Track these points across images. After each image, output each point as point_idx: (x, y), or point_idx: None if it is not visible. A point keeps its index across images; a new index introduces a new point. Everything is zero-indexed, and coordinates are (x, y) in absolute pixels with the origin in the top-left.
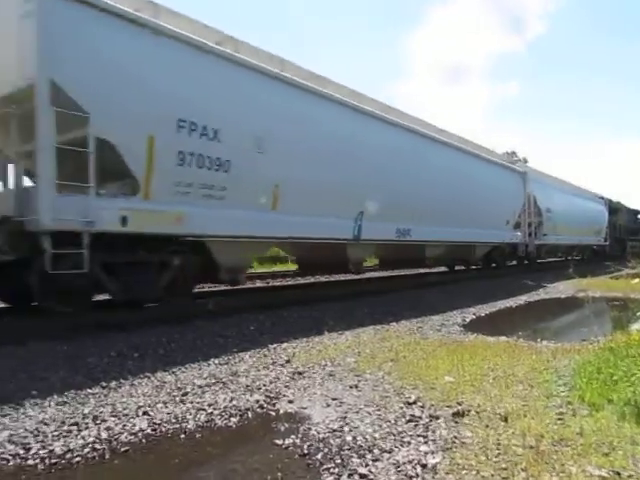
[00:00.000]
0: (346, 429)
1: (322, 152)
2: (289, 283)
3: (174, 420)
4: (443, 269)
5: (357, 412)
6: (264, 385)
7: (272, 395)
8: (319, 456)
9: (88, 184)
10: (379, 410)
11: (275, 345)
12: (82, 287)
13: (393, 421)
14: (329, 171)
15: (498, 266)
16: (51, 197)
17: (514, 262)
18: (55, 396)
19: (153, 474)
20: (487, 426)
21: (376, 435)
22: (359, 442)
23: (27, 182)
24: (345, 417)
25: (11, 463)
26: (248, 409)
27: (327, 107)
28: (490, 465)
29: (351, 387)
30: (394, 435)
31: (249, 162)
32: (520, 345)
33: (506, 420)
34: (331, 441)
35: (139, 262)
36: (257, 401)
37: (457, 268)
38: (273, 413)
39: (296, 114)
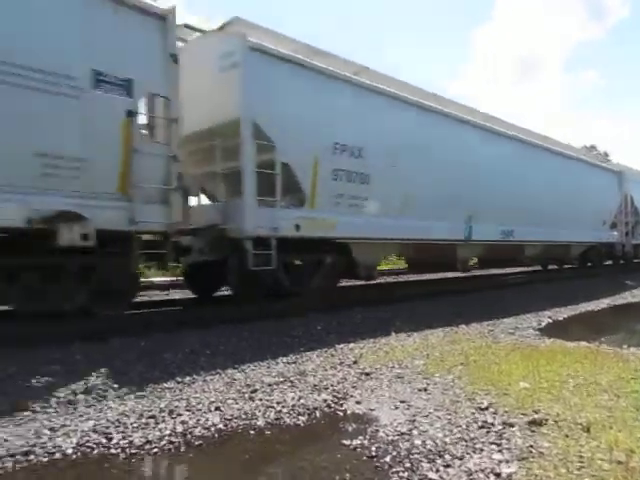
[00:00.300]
0: (415, 432)
1: (441, 163)
2: (356, 283)
3: (244, 416)
4: (524, 269)
5: (426, 416)
6: (331, 385)
7: (339, 395)
8: (387, 459)
9: (275, 198)
10: (449, 415)
11: (342, 345)
12: (267, 281)
13: (464, 426)
14: (445, 180)
15: (594, 265)
16: (253, 209)
17: (610, 262)
18: (134, 389)
19: (225, 468)
20: (567, 437)
21: (446, 440)
22: (429, 446)
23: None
24: (414, 420)
25: (95, 452)
26: (316, 408)
27: (444, 123)
28: (572, 479)
29: (420, 390)
30: (465, 441)
31: (385, 175)
32: (604, 351)
33: (589, 431)
34: (400, 444)
35: (304, 260)
36: (325, 401)
37: (550, 267)
38: (341, 413)
39: (421, 132)
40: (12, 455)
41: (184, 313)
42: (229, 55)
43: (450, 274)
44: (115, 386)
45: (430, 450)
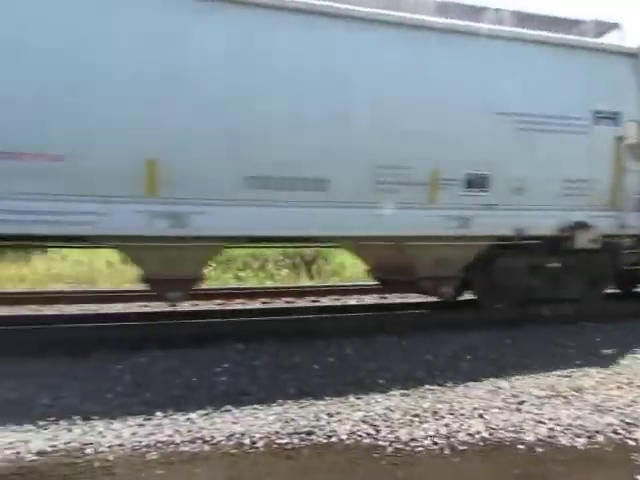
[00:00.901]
0: None
1: None
2: None
3: (511, 428)
4: None
5: None
6: (617, 408)
7: (629, 421)
8: None
9: None
10: None
11: (628, 361)
12: None
13: None
14: None
15: None
16: None
17: None
18: (398, 387)
19: (493, 479)
20: None
21: None
22: None
23: None
24: None
25: (365, 440)
26: (598, 432)
27: None
28: None
29: None
30: None
31: None
32: None
33: None
34: None
35: None
36: (609, 424)
37: None
38: (631, 442)
39: None
40: (298, 433)
41: (441, 314)
42: None
43: None
44: (380, 382)
45: None
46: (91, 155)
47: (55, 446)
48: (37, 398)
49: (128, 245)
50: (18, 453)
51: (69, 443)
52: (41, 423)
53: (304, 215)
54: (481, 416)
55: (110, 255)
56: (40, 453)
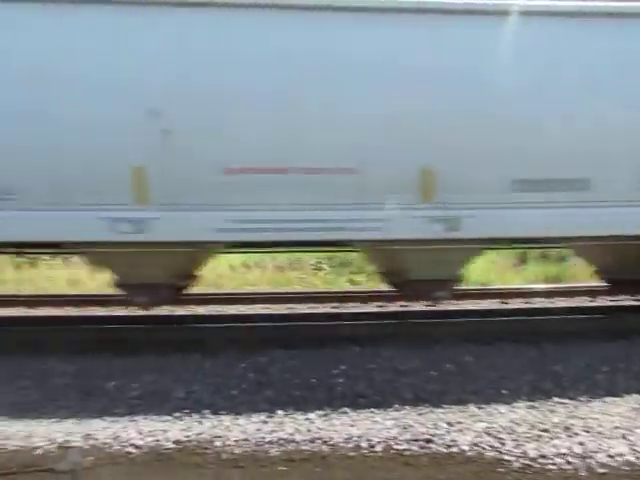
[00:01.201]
0: None
1: None
2: None
3: None
4: None
5: None
6: None
7: None
8: None
9: None
10: None
11: None
12: None
13: None
14: None
15: None
16: None
17: None
18: (524, 398)
19: None
20: None
21: None
22: None
23: None
24: None
25: (489, 453)
26: None
27: None
28: None
29: None
30: None
31: None
32: None
33: None
34: None
35: None
36: None
37: None
38: None
39: None
40: (416, 440)
41: (565, 323)
42: None
43: None
44: (504, 392)
45: None
46: (377, 167)
47: (189, 437)
48: (173, 392)
49: (404, 249)
50: (158, 441)
51: (200, 435)
52: (176, 415)
53: (563, 215)
54: (624, 437)
55: (232, 260)
56: (176, 442)
